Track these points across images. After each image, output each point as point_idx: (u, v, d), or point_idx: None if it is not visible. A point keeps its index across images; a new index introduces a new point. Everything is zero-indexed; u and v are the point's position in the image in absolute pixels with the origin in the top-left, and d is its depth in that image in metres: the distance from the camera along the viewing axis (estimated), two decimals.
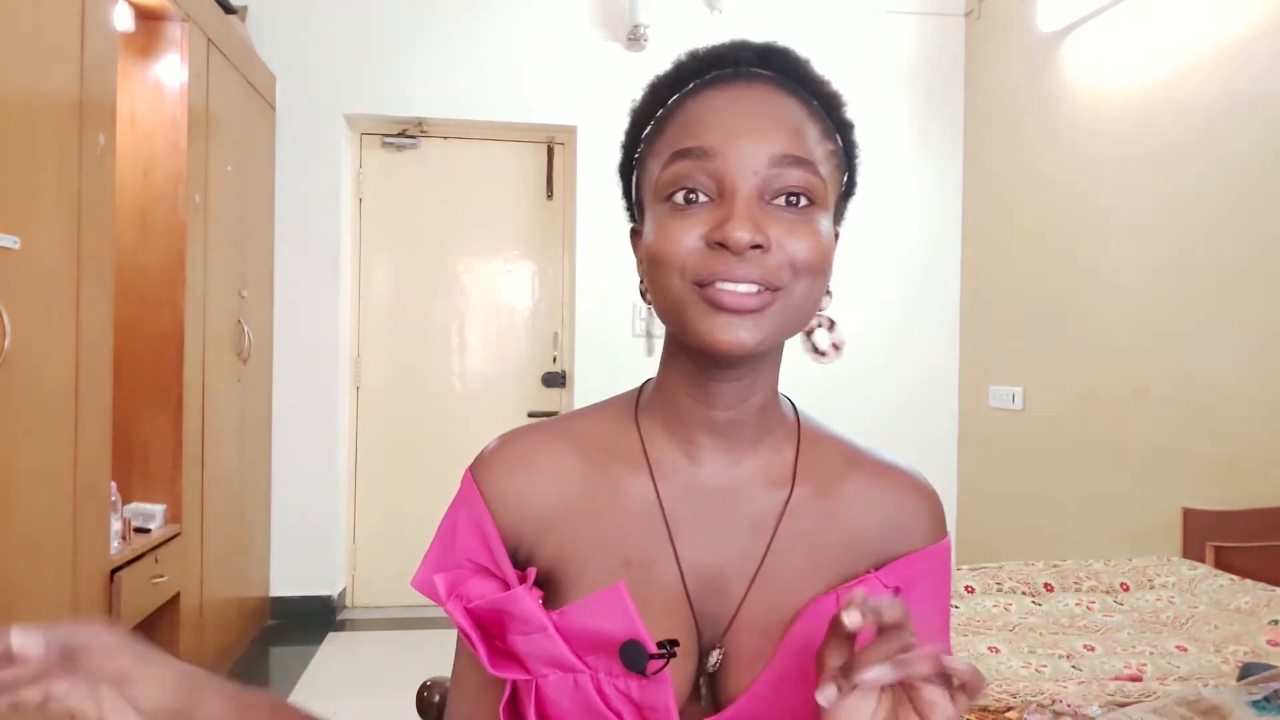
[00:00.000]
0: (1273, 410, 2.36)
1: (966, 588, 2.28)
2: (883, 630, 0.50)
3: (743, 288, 0.59)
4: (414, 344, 3.76)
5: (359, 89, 3.55)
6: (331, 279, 3.56)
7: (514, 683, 0.66)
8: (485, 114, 3.63)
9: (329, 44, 3.52)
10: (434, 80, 3.58)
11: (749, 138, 0.61)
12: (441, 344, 3.78)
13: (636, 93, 0.70)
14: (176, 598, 2.49)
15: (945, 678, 0.49)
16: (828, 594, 0.66)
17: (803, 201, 0.61)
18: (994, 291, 3.68)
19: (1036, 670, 1.75)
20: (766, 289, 0.60)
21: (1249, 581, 2.18)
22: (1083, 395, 3.09)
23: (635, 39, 3.61)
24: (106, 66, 1.97)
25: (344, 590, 3.71)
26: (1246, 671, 1.51)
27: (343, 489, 3.67)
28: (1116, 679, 1.68)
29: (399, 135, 3.71)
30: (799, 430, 0.72)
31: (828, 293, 0.66)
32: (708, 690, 0.66)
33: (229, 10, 2.91)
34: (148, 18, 2.50)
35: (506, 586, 0.66)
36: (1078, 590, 2.32)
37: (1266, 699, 1.29)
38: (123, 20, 2.33)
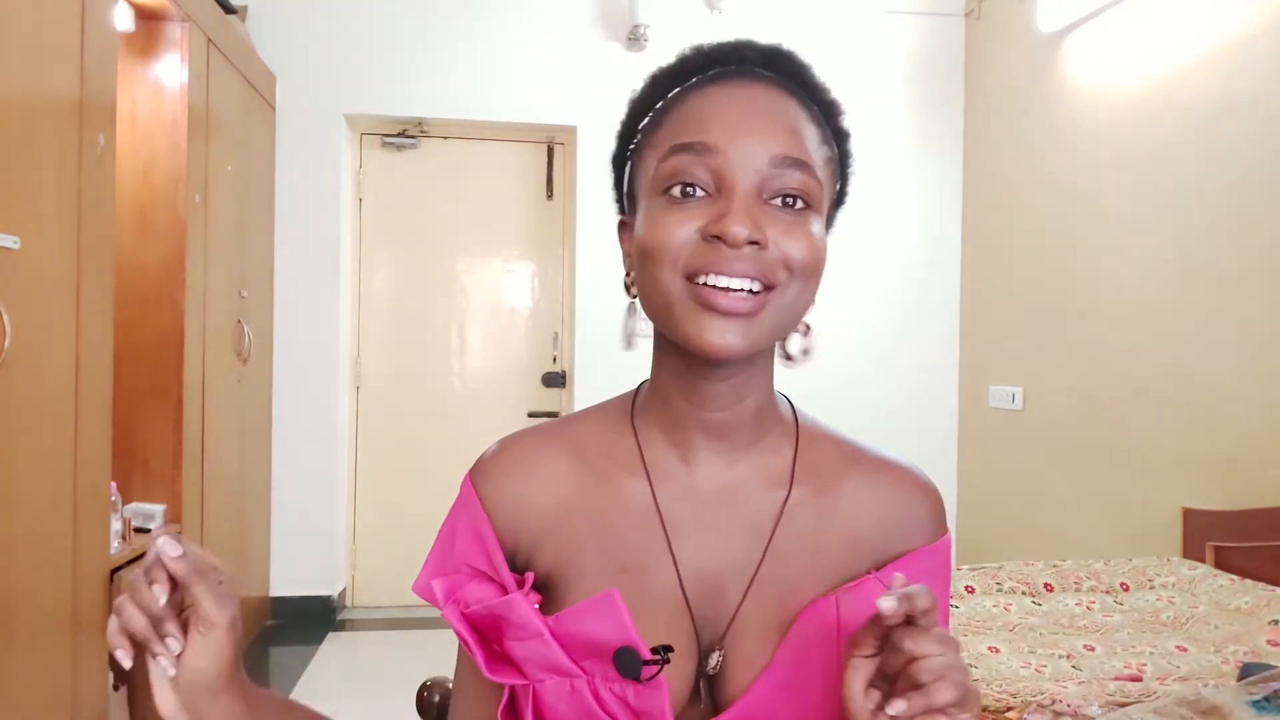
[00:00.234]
0: (1273, 410, 2.36)
1: (966, 588, 2.28)
2: (912, 618, 0.52)
3: (736, 284, 0.59)
4: (414, 344, 3.76)
5: (359, 89, 3.55)
6: (331, 279, 3.56)
7: (512, 687, 0.66)
8: (485, 114, 3.63)
9: (329, 44, 3.52)
10: (434, 80, 3.58)
11: (751, 136, 0.60)
12: (441, 344, 3.78)
13: (637, 83, 0.69)
14: None
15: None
16: (827, 595, 0.66)
17: (799, 204, 0.61)
18: (994, 291, 3.68)
19: (1036, 670, 1.75)
20: (763, 287, 0.60)
21: (1249, 581, 2.18)
22: (1083, 395, 3.09)
23: (635, 39, 3.61)
24: (106, 66, 1.97)
25: (344, 590, 3.71)
26: (1246, 671, 1.51)
27: (343, 489, 3.67)
28: (1116, 679, 1.68)
29: (399, 135, 3.71)
30: (797, 429, 0.71)
31: None
32: (707, 692, 0.66)
33: (229, 10, 2.91)
34: (148, 18, 2.50)
35: (505, 591, 0.66)
36: (1078, 590, 2.32)
37: (1266, 699, 1.29)
38: (123, 20, 2.33)
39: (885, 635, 0.54)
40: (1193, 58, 2.66)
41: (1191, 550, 2.52)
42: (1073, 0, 3.13)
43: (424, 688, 0.90)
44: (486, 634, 0.66)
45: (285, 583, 3.52)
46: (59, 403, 1.81)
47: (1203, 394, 2.58)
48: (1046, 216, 3.31)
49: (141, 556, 2.25)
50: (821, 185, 0.63)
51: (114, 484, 2.11)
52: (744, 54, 0.65)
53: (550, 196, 3.83)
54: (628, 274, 0.68)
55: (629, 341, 0.70)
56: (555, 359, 3.83)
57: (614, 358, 3.54)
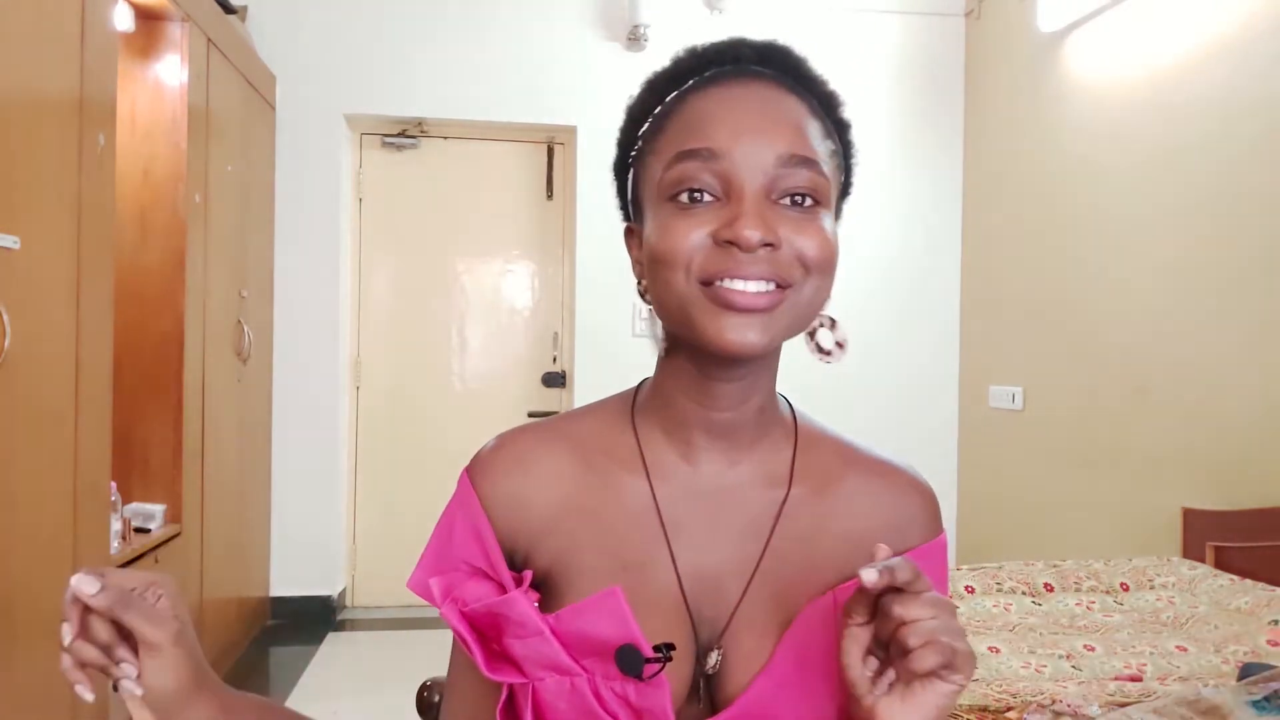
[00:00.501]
0: (1273, 410, 2.36)
1: (966, 588, 2.28)
2: (898, 588, 0.53)
3: (753, 286, 0.59)
4: (414, 344, 3.76)
5: (359, 89, 3.55)
6: (331, 279, 3.56)
7: (510, 686, 0.66)
8: (485, 114, 3.63)
9: (329, 44, 3.52)
10: (434, 80, 3.58)
11: (755, 137, 0.60)
12: (441, 344, 3.78)
13: (633, 89, 0.69)
14: None
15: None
16: (825, 594, 0.66)
17: (808, 201, 0.61)
18: (994, 291, 3.68)
19: (1036, 670, 1.75)
20: (778, 286, 0.60)
21: (1249, 581, 2.18)
22: (1083, 395, 3.09)
23: (635, 39, 3.61)
24: (106, 66, 1.97)
25: (344, 590, 3.71)
26: (1246, 671, 1.51)
27: (343, 489, 3.67)
28: (1116, 679, 1.68)
29: (399, 135, 3.71)
30: (796, 430, 0.72)
31: None
32: (706, 691, 0.66)
33: (229, 10, 2.91)
34: (148, 18, 2.50)
35: (503, 589, 0.66)
36: (1078, 590, 2.32)
37: (1266, 699, 1.29)
38: (123, 20, 2.33)
39: (876, 602, 0.55)
40: (1193, 58, 2.66)
41: (1191, 550, 2.52)
42: (1073, 0, 3.13)
43: (424, 688, 0.90)
44: (485, 632, 0.66)
45: (285, 583, 3.52)
46: (59, 403, 1.80)
47: (1203, 394, 2.58)
48: (1047, 216, 3.31)
49: (142, 556, 2.25)
50: (828, 180, 0.62)
51: (114, 484, 2.11)
52: (739, 52, 0.65)
53: (550, 196, 3.83)
54: (640, 281, 0.68)
55: (661, 348, 0.69)
56: (555, 359, 3.83)
57: (614, 358, 3.56)
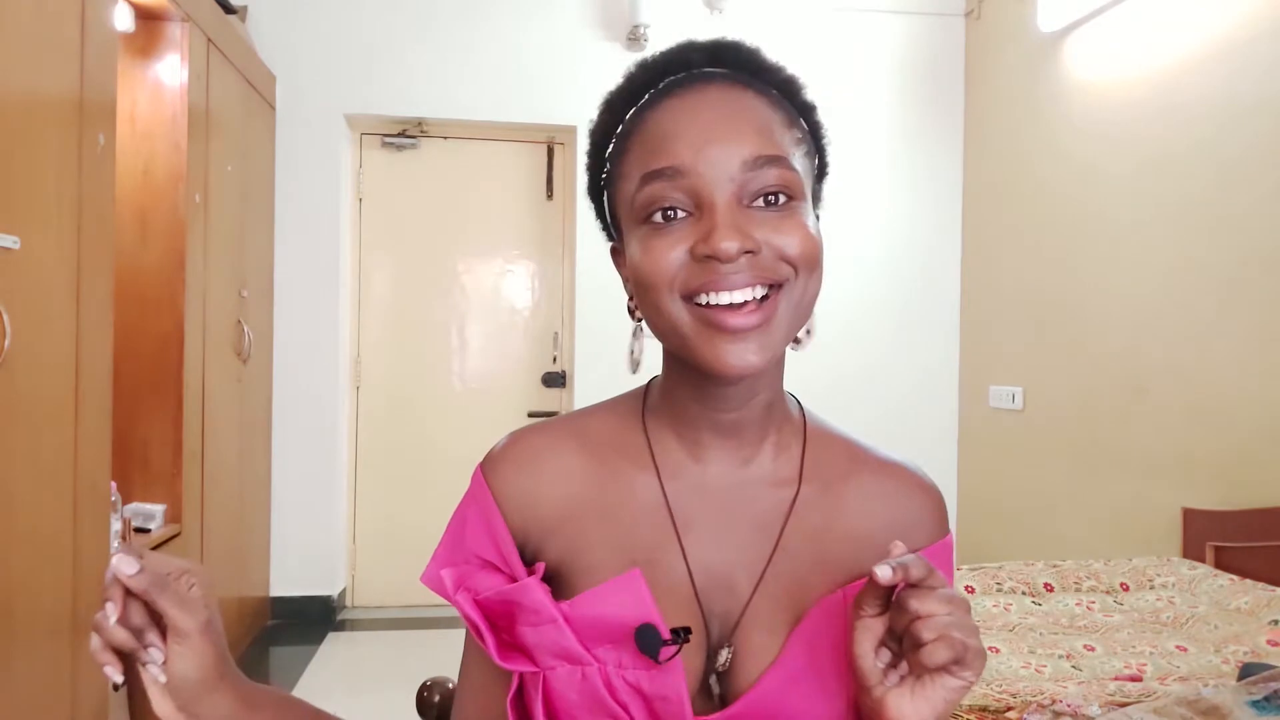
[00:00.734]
0: (1273, 410, 2.36)
1: (967, 588, 2.28)
2: (912, 584, 0.54)
3: (739, 296, 0.59)
4: (414, 344, 3.76)
5: (359, 89, 3.55)
6: (331, 279, 3.56)
7: (521, 676, 0.67)
8: (485, 114, 3.63)
9: (329, 44, 3.52)
10: (434, 80, 3.58)
11: (717, 145, 0.60)
12: (441, 344, 3.78)
13: (592, 112, 0.69)
14: None
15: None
16: (834, 592, 0.66)
17: (782, 199, 0.61)
18: (994, 291, 3.68)
19: (1036, 670, 1.75)
20: (768, 288, 0.60)
21: (1249, 581, 2.18)
22: (1083, 395, 3.09)
23: (635, 39, 3.61)
24: (106, 66, 1.97)
25: (344, 590, 3.71)
26: (1246, 671, 1.51)
27: (343, 489, 3.67)
28: (1116, 679, 1.68)
29: (399, 135, 3.71)
30: (805, 428, 0.72)
31: None
32: (716, 686, 0.66)
33: (229, 10, 2.91)
34: (148, 18, 2.50)
35: (514, 582, 0.66)
36: (1078, 590, 2.32)
37: (1266, 699, 1.29)
38: (123, 20, 2.33)
39: (888, 596, 0.56)
40: (1193, 58, 2.66)
41: (1191, 550, 2.52)
42: (1073, 0, 3.13)
43: (424, 688, 0.90)
44: (497, 621, 0.67)
45: (285, 583, 3.52)
46: (59, 403, 1.80)
47: (1203, 394, 2.58)
48: (1047, 216, 3.31)
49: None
50: (799, 173, 0.62)
51: (114, 484, 2.11)
52: (690, 57, 0.65)
53: (550, 196, 3.83)
54: (630, 299, 0.68)
55: (634, 367, 0.70)
56: (555, 359, 3.83)
57: (614, 358, 3.54)
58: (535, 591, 0.64)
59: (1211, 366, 2.56)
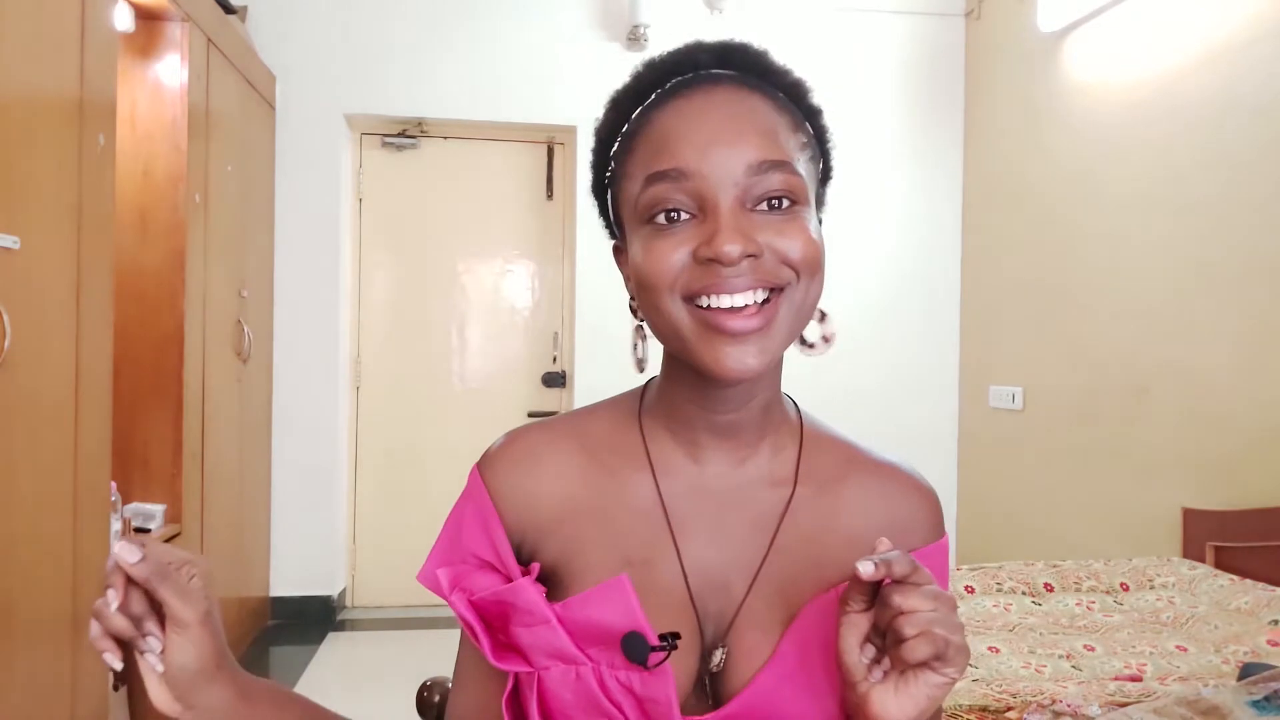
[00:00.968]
0: (1273, 410, 2.36)
1: (966, 588, 2.28)
2: (896, 581, 0.54)
3: (740, 300, 0.59)
4: (414, 344, 3.76)
5: (359, 89, 3.55)
6: (331, 279, 3.56)
7: (516, 675, 0.67)
8: (485, 114, 3.63)
9: (329, 44, 3.52)
10: (434, 80, 3.58)
11: (722, 148, 0.60)
12: (441, 344, 3.78)
13: (598, 110, 0.69)
14: None
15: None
16: (829, 592, 0.66)
17: (785, 203, 0.61)
18: (994, 291, 3.68)
19: (1036, 670, 1.75)
20: (769, 291, 0.60)
21: (1249, 581, 2.18)
22: (1083, 395, 3.09)
23: (635, 39, 3.61)
24: (106, 66, 1.97)
25: (344, 590, 3.71)
26: (1246, 671, 1.51)
27: (343, 489, 3.67)
28: (1116, 679, 1.68)
29: (399, 135, 3.71)
30: (801, 430, 0.72)
31: None
32: (710, 686, 0.66)
33: (229, 10, 2.91)
34: (148, 18, 2.50)
35: (510, 582, 0.66)
36: (1078, 590, 2.32)
37: (1266, 699, 1.29)
38: (123, 20, 2.33)
39: (874, 592, 0.56)
40: (1193, 58, 2.66)
41: (1191, 550, 2.52)
42: (1073, 0, 3.13)
43: (424, 688, 0.90)
44: (492, 621, 0.67)
45: (285, 583, 3.52)
46: (59, 403, 1.80)
47: (1203, 394, 2.58)
48: (1047, 216, 3.31)
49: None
50: (803, 177, 0.62)
51: (114, 484, 2.11)
52: (697, 58, 0.65)
53: (550, 197, 3.83)
54: (632, 299, 0.68)
55: (640, 366, 0.70)
56: (555, 359, 3.83)
57: (614, 358, 3.55)
58: (529, 592, 0.64)
59: (1211, 366, 2.56)
